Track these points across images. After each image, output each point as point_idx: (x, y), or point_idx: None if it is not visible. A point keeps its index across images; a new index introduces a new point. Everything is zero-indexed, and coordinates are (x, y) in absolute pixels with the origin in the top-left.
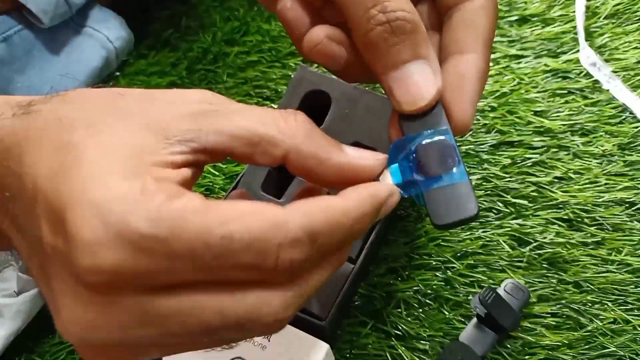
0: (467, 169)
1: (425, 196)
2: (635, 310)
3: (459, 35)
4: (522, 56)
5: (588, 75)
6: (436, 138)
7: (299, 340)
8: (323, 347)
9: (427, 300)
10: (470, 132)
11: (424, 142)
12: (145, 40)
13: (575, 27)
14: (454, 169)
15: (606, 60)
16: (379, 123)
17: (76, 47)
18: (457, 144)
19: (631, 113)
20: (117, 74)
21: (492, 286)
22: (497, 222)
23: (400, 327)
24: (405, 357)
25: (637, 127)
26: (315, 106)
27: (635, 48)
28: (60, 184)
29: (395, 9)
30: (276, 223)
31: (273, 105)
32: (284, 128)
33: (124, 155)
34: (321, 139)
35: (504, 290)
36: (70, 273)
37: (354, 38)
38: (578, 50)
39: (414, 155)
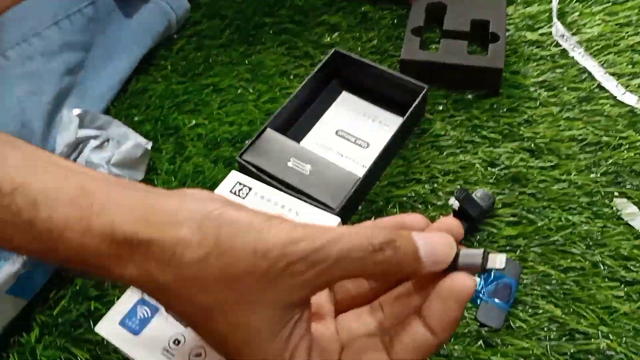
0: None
1: (481, 303)
2: (577, 215)
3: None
4: (507, 30)
5: (558, 45)
6: (507, 281)
7: (317, 214)
8: (336, 219)
9: (417, 205)
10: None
11: (503, 280)
12: (199, 10)
13: (551, 8)
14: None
15: (574, 34)
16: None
17: (145, 13)
18: None
19: (590, 74)
20: (176, 36)
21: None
22: (474, 150)
23: None
24: None
25: (593, 85)
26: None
27: (598, 25)
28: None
29: None
30: None
31: (302, 62)
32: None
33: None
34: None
35: (475, 195)
36: None
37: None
38: (551, 26)
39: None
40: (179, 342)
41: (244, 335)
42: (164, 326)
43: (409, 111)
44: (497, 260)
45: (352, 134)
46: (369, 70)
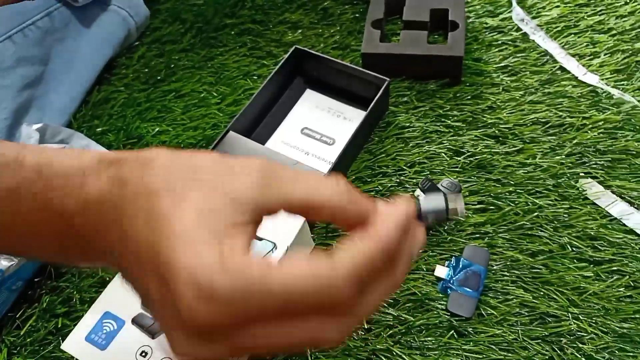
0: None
1: (451, 293)
2: (543, 198)
3: None
4: (468, 17)
5: (519, 29)
6: (475, 268)
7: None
8: (300, 220)
9: (384, 198)
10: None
11: (471, 269)
12: (159, 16)
13: None
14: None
15: (534, 18)
16: None
17: (104, 22)
18: None
19: (551, 57)
20: (137, 43)
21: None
22: (439, 140)
23: None
24: None
25: (555, 67)
26: None
27: (557, 7)
28: (159, 254)
29: None
30: (328, 285)
31: (265, 62)
32: (331, 193)
33: (205, 222)
34: (360, 199)
35: (442, 185)
36: (177, 319)
37: None
38: (511, 10)
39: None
40: (145, 354)
41: (186, 222)
42: (131, 339)
43: (371, 105)
44: (457, 202)
45: (317, 131)
46: (331, 65)
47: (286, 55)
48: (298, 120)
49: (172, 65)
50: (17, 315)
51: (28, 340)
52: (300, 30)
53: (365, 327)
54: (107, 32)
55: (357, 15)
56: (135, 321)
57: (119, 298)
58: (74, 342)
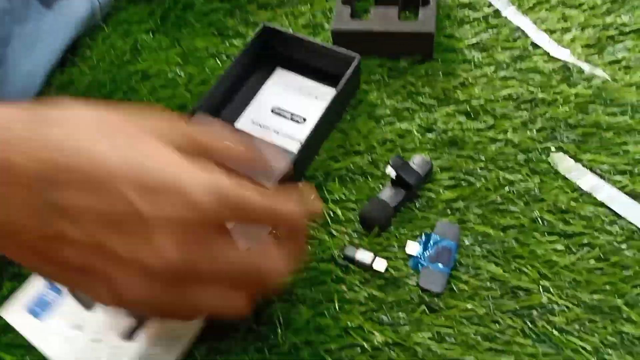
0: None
1: (422, 269)
2: (515, 173)
3: None
4: None
5: (490, 5)
6: (446, 244)
7: None
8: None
9: (356, 176)
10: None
11: (442, 244)
12: None
13: None
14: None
15: None
16: None
17: (67, 2)
18: None
19: (523, 32)
20: (102, 24)
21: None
22: (411, 117)
23: (335, 194)
24: (339, 213)
25: (527, 42)
26: None
27: None
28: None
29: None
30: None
31: (234, 41)
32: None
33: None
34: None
35: (413, 162)
36: (169, 218)
37: None
38: None
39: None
40: (80, 326)
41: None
42: (67, 311)
43: (341, 82)
44: None
45: (288, 110)
46: (301, 43)
47: (254, 34)
48: (268, 99)
49: (138, 47)
50: None
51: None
52: (270, 9)
53: (337, 307)
54: (70, 12)
55: None
56: (72, 292)
57: None
58: (13, 310)
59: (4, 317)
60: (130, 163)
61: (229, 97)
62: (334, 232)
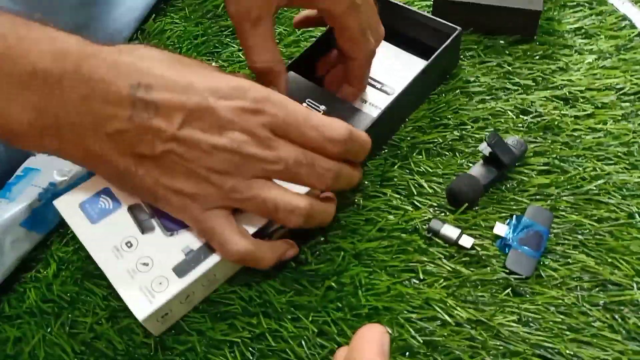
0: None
1: (510, 251)
2: (612, 165)
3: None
4: None
5: None
6: (538, 229)
7: None
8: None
9: (444, 151)
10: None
11: (533, 229)
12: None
13: None
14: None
15: None
16: None
17: None
18: None
19: (630, 22)
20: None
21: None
22: (506, 97)
23: (421, 166)
24: (424, 185)
25: (633, 33)
26: None
27: None
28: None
29: None
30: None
31: None
32: None
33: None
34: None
35: (508, 142)
36: (233, 108)
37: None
38: None
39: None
40: (131, 244)
41: None
42: (121, 224)
43: (437, 52)
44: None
45: (379, 80)
46: (401, 13)
47: None
48: None
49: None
50: (69, 232)
51: (75, 257)
52: None
53: (420, 277)
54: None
55: None
56: (131, 210)
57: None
58: (67, 203)
59: (57, 208)
60: (207, 80)
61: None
62: (418, 204)
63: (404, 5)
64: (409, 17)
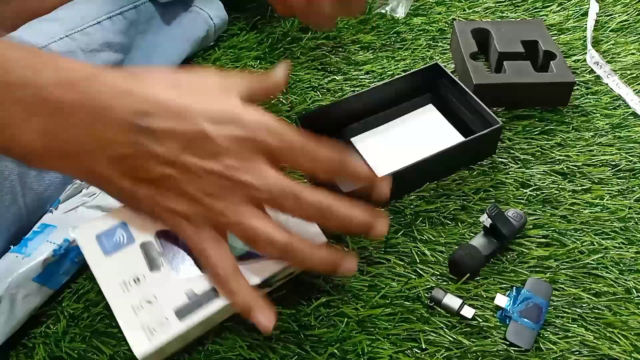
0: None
1: (510, 323)
2: (609, 239)
3: None
4: None
5: (592, 71)
6: (537, 301)
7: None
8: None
9: (446, 220)
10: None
11: (533, 301)
12: (238, 23)
13: (584, 36)
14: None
15: (608, 62)
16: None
17: (185, 20)
18: None
19: (624, 102)
20: (214, 46)
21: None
22: (506, 170)
23: (424, 234)
24: (427, 253)
25: (627, 112)
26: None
27: (633, 54)
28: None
29: None
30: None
31: (336, 77)
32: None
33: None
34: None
35: (507, 215)
36: (228, 136)
37: None
38: (586, 53)
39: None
40: (138, 280)
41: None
42: (132, 259)
43: (473, 136)
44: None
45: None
46: (458, 90)
47: (423, 66)
48: (401, 129)
49: (246, 71)
50: (78, 288)
51: (86, 314)
52: (371, 51)
53: (422, 347)
54: (187, 31)
55: (429, 42)
56: (143, 246)
57: (140, 217)
58: (85, 233)
59: (74, 235)
60: (203, 104)
61: (372, 111)
62: (421, 272)
63: (458, 81)
64: (464, 97)
